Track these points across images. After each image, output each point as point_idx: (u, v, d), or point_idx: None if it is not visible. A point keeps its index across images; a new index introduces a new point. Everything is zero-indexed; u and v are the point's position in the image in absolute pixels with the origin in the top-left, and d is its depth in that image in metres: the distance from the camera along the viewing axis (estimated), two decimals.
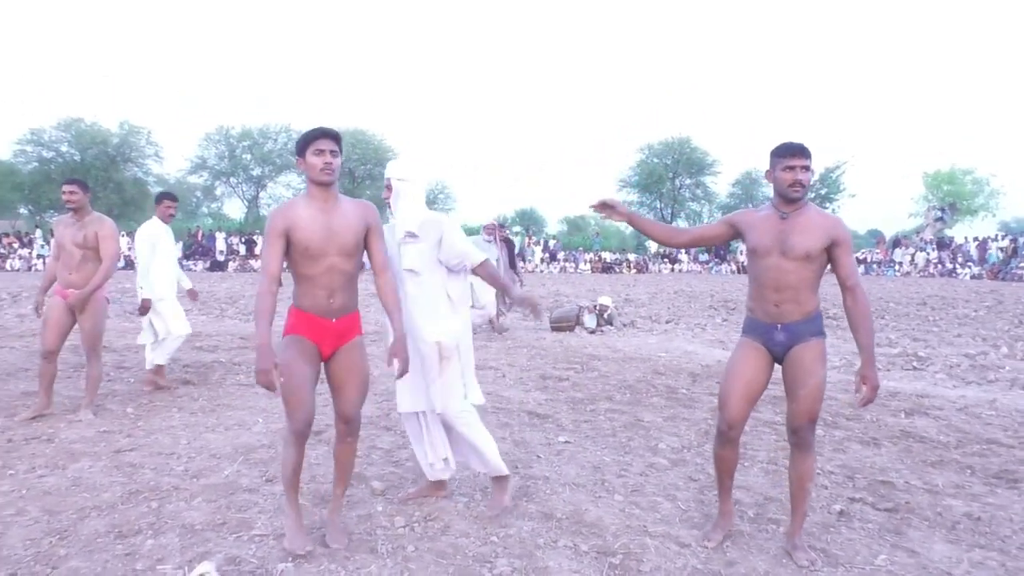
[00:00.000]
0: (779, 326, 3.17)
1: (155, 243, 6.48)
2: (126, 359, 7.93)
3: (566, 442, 5.00)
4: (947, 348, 9.91)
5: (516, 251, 12.49)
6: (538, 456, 4.66)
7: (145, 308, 6.29)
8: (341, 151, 3.15)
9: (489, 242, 10.65)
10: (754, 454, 4.77)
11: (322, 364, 3.25)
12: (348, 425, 3.26)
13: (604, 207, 3.43)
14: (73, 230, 5.41)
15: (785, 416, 3.25)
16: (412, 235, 3.52)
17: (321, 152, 3.04)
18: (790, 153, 3.09)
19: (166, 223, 6.60)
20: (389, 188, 3.62)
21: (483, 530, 3.44)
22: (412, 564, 3.06)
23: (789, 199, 3.11)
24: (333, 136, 3.08)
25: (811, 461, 3.21)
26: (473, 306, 10.67)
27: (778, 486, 4.15)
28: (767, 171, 3.21)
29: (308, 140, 3.07)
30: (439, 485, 3.86)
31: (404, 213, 3.56)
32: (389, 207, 3.67)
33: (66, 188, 5.45)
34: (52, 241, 6.42)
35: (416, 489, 3.89)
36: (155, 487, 3.94)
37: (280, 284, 3.08)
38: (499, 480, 3.71)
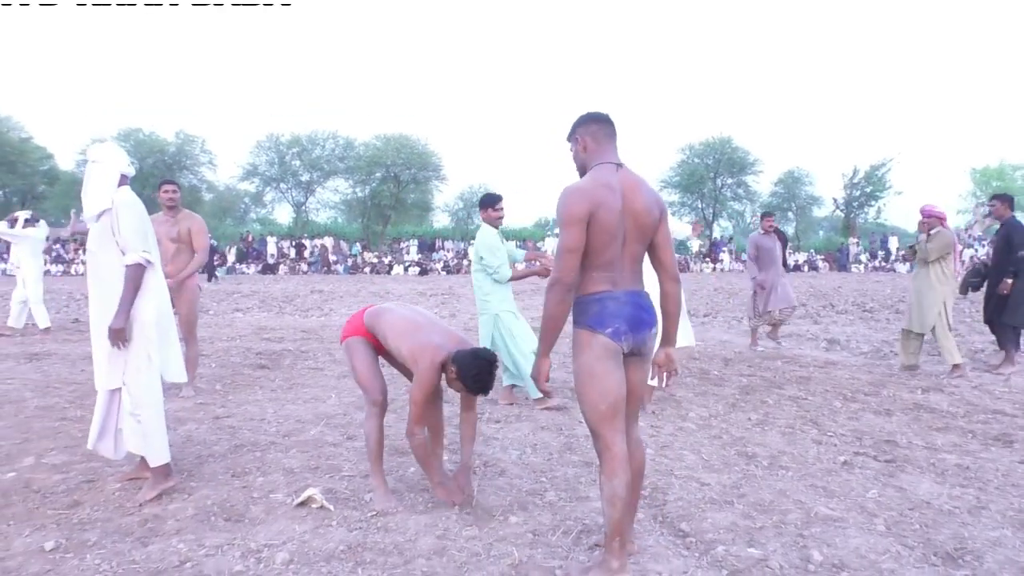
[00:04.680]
0: None
1: None
2: (203, 348, 8.74)
3: None
4: (976, 336, 10.24)
5: None
6: (580, 421, 5.28)
7: None
8: None
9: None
10: (774, 421, 5.31)
11: None
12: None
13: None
14: (167, 226, 6.10)
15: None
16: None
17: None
18: None
19: None
20: None
21: (533, 473, 4.07)
22: (478, 495, 3.70)
23: None
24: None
25: (604, 476, 2.69)
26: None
27: (792, 444, 4.70)
28: None
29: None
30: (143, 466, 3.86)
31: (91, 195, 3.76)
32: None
33: (168, 188, 6.21)
34: None
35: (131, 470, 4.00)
36: (255, 443, 4.66)
37: None
38: (155, 471, 3.70)
